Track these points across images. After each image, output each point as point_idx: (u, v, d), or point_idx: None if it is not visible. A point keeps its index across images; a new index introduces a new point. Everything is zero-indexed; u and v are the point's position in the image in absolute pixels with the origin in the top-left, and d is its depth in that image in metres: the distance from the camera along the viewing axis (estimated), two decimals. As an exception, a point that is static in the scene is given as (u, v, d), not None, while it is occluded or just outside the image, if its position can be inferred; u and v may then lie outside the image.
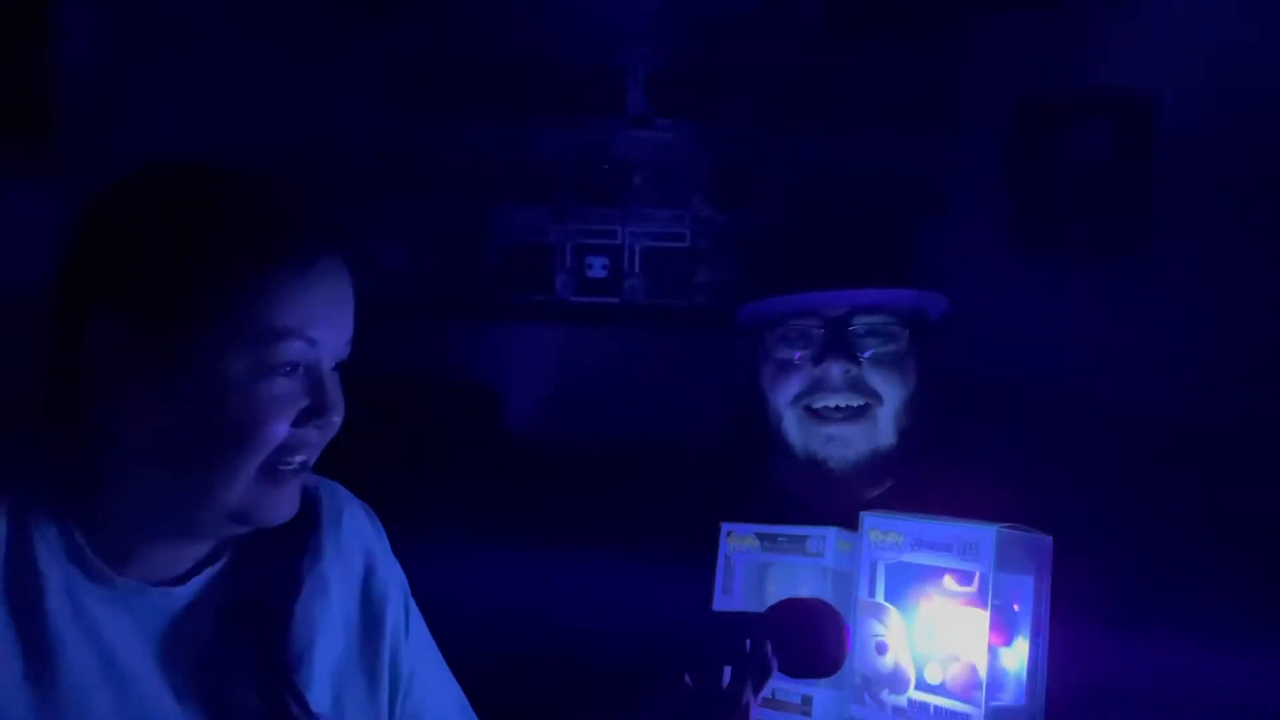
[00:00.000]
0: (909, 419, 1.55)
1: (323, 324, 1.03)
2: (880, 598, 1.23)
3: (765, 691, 1.18)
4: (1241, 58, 1.89)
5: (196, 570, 1.08)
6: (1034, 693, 1.17)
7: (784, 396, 1.56)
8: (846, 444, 1.53)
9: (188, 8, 1.94)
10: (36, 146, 1.86)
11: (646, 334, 2.00)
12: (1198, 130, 1.91)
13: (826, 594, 1.27)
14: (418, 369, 1.92)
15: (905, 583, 1.22)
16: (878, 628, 1.22)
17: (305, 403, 1.02)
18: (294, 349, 1.01)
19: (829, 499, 1.51)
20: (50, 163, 1.84)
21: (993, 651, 1.16)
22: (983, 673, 1.15)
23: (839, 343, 1.52)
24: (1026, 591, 1.18)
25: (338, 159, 1.95)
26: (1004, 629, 1.16)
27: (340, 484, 1.23)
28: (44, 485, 1.04)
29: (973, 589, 1.17)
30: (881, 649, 1.22)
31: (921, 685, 1.19)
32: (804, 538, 1.30)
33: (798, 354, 1.55)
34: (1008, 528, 1.17)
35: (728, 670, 1.17)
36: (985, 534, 1.16)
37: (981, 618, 1.16)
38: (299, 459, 1.04)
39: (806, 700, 1.24)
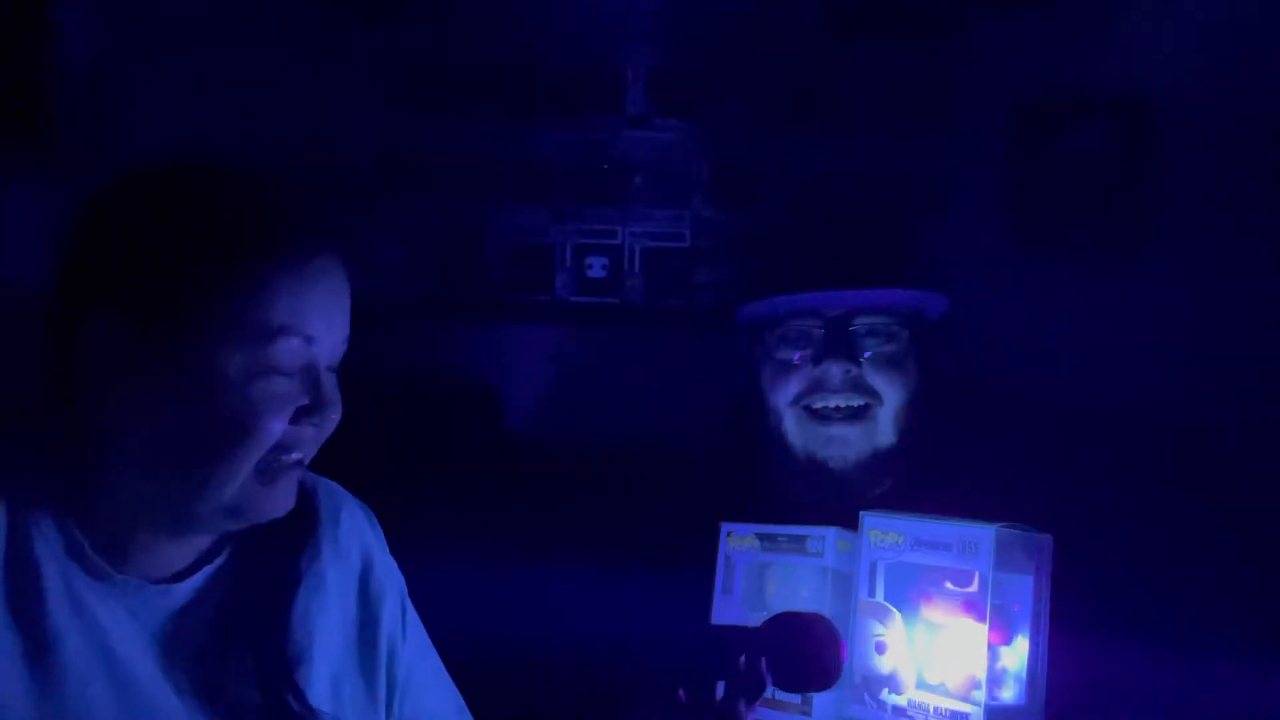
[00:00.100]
0: (909, 419, 1.55)
1: (319, 322, 1.03)
2: (880, 598, 1.23)
3: (765, 691, 1.18)
4: (1242, 58, 1.89)
5: (195, 568, 1.09)
6: (1033, 692, 1.17)
7: (784, 396, 1.56)
8: (846, 444, 1.54)
9: (188, 8, 1.94)
10: (36, 146, 1.86)
11: (646, 334, 1.99)
12: (1198, 130, 1.91)
13: (826, 594, 1.27)
14: (417, 369, 1.92)
15: (905, 582, 1.23)
16: (878, 628, 1.22)
17: (302, 401, 1.03)
18: (290, 347, 1.01)
19: (829, 499, 1.51)
20: (50, 163, 1.84)
21: (992, 651, 1.16)
22: (982, 672, 1.15)
23: (839, 343, 1.52)
24: (1026, 591, 1.18)
25: (338, 159, 1.95)
26: (1003, 628, 1.16)
27: (340, 484, 1.23)
28: (42, 483, 1.04)
29: (972, 588, 1.17)
30: (881, 649, 1.22)
31: (921, 685, 1.19)
32: (804, 538, 1.30)
33: (798, 354, 1.55)
34: (1007, 527, 1.17)
35: (721, 684, 1.17)
36: (985, 534, 1.16)
37: (981, 617, 1.16)
38: (295, 456, 1.05)
39: (806, 700, 1.24)
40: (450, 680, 1.28)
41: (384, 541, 1.24)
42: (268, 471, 1.03)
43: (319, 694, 1.12)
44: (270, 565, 1.12)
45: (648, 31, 1.98)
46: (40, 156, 1.85)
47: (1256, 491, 1.75)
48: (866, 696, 1.22)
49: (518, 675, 1.46)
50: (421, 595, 1.27)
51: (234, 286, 1.00)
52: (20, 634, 1.00)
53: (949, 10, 1.94)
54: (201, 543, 1.10)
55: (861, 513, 1.27)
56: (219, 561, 1.10)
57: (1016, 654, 1.17)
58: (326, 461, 1.14)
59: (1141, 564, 1.58)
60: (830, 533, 1.28)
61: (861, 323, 1.54)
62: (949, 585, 1.19)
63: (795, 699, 1.24)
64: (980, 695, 1.14)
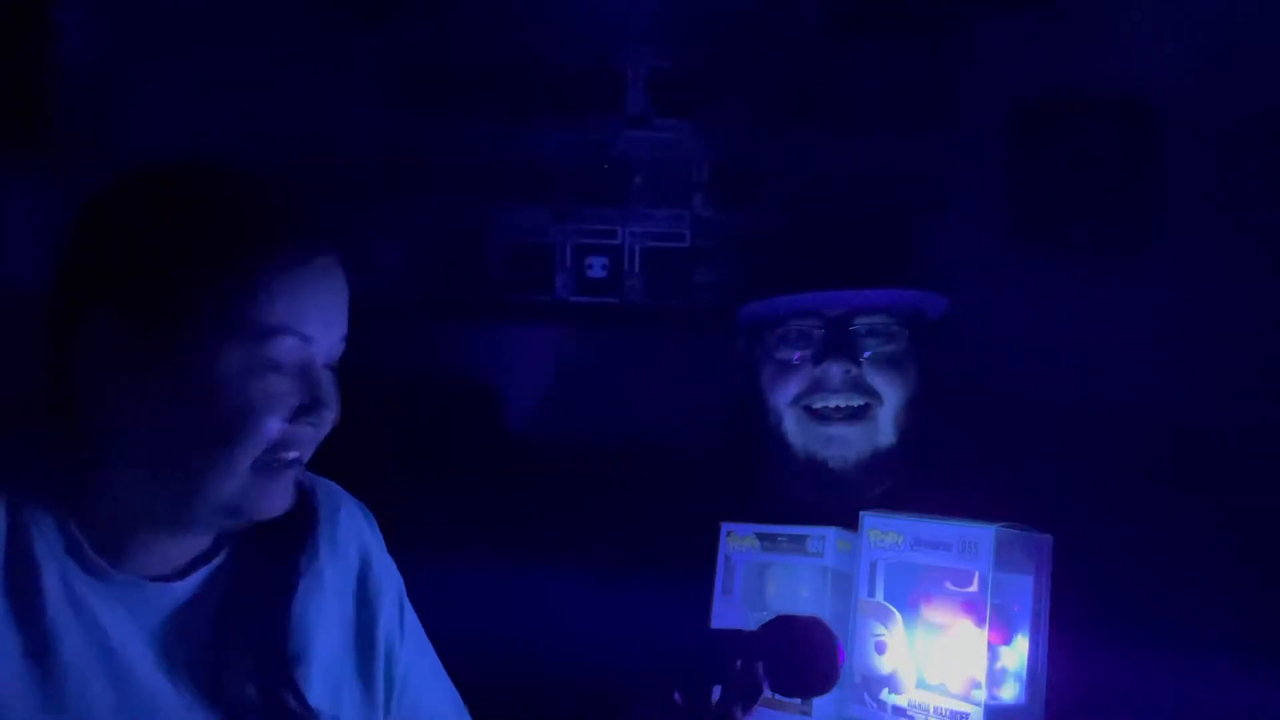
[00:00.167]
0: (909, 419, 1.55)
1: (317, 322, 1.04)
2: (880, 597, 1.23)
3: (764, 692, 1.17)
4: (1242, 57, 1.89)
5: (194, 567, 1.09)
6: (1034, 692, 1.17)
7: (784, 397, 1.56)
8: (846, 444, 1.54)
9: (188, 8, 1.94)
10: (36, 146, 1.86)
11: (646, 334, 1.99)
12: (1198, 130, 1.90)
13: (826, 594, 1.27)
14: (417, 369, 1.92)
15: (905, 582, 1.23)
16: (878, 628, 1.22)
17: (298, 399, 1.03)
18: (287, 346, 1.02)
19: (829, 499, 1.51)
20: (50, 163, 1.84)
21: (992, 651, 1.16)
22: (982, 672, 1.15)
23: (839, 343, 1.53)
24: (1026, 591, 1.18)
25: (338, 159, 1.95)
26: (1003, 628, 1.17)
27: (340, 484, 1.23)
28: (42, 481, 1.04)
29: (972, 588, 1.17)
30: (881, 649, 1.22)
31: (921, 685, 1.19)
32: (804, 538, 1.30)
33: (798, 354, 1.55)
34: (1007, 527, 1.17)
35: (718, 688, 1.16)
36: (984, 533, 1.16)
37: (981, 617, 1.16)
38: (293, 455, 1.05)
39: (806, 700, 1.24)
40: (448, 680, 1.28)
41: (382, 541, 1.24)
42: (266, 470, 1.04)
43: (317, 693, 1.12)
44: (269, 565, 1.12)
45: (648, 31, 1.98)
46: (40, 156, 1.84)
47: (1256, 491, 1.75)
48: (866, 696, 1.22)
49: (516, 675, 1.46)
50: (421, 595, 1.28)
51: (232, 286, 1.01)
52: (20, 632, 1.01)
53: (949, 10, 1.94)
54: (200, 542, 1.10)
55: (861, 513, 1.27)
56: (217, 561, 1.11)
57: (1016, 654, 1.17)
58: (327, 461, 1.14)
59: (1141, 564, 1.58)
60: (830, 533, 1.28)
61: (862, 323, 1.54)
62: (949, 585, 1.19)
63: (795, 699, 1.24)
64: (980, 695, 1.14)
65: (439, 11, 1.97)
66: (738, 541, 1.34)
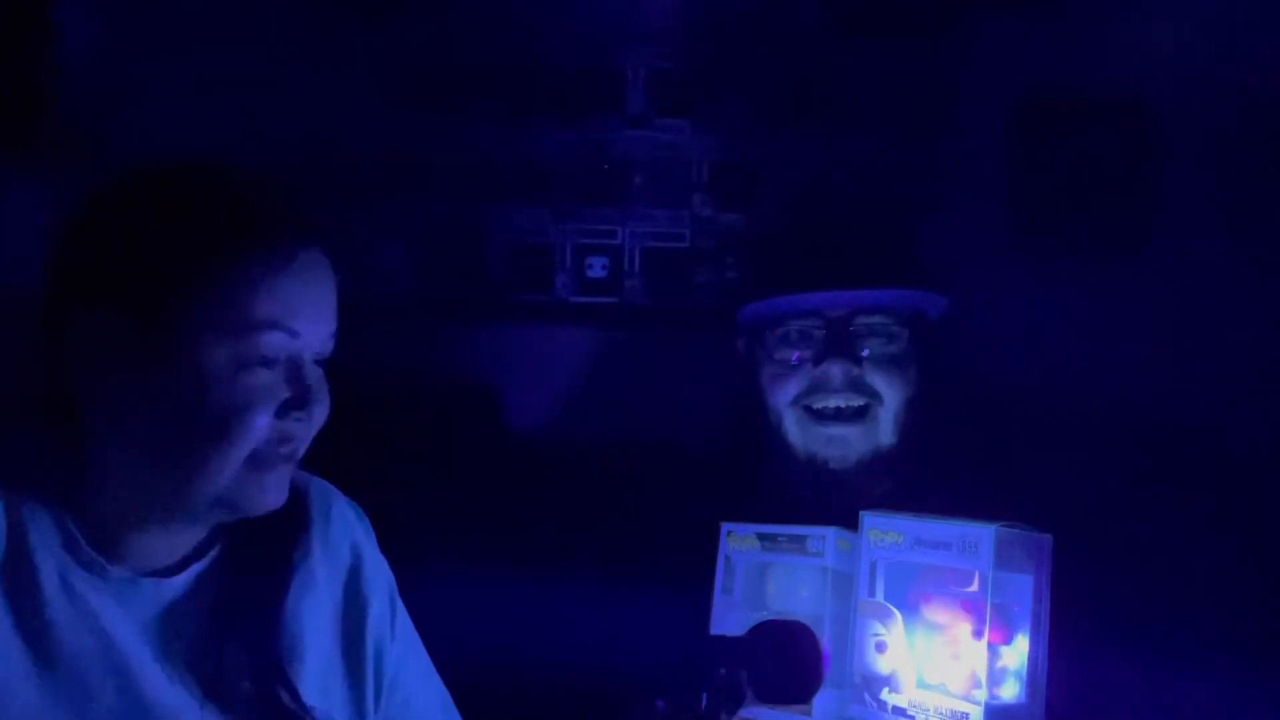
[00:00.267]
0: (909, 419, 1.55)
1: (304, 316, 1.05)
2: (880, 597, 1.23)
3: (744, 703, 1.17)
4: (1242, 58, 1.89)
5: (188, 562, 1.10)
6: (1034, 691, 1.17)
7: (784, 397, 1.56)
8: (847, 444, 1.54)
9: (188, 8, 1.94)
10: (36, 146, 1.86)
11: (646, 334, 1.99)
12: (1198, 130, 1.90)
13: (826, 594, 1.27)
14: (417, 369, 1.92)
15: (905, 582, 1.23)
16: (878, 627, 1.22)
17: (286, 394, 1.04)
18: (274, 340, 1.03)
19: (829, 499, 1.51)
20: (50, 163, 1.84)
21: (992, 650, 1.16)
22: (982, 672, 1.15)
23: (839, 343, 1.53)
24: (1026, 590, 1.18)
25: (338, 159, 1.95)
26: (1003, 628, 1.17)
27: (340, 484, 1.24)
28: (37, 477, 1.05)
29: (972, 588, 1.17)
30: (881, 649, 1.22)
31: (921, 685, 1.19)
32: (804, 538, 1.30)
33: (797, 354, 1.55)
34: (1007, 527, 1.17)
35: (705, 695, 1.16)
36: (984, 533, 1.16)
37: (981, 617, 1.16)
38: (285, 449, 1.06)
39: (806, 701, 1.24)
40: (440, 682, 1.29)
41: (374, 539, 1.24)
42: (259, 465, 1.04)
43: (310, 690, 1.12)
44: (262, 562, 1.13)
45: (648, 31, 1.98)
46: (40, 156, 1.84)
47: (1256, 491, 1.75)
48: (866, 696, 1.22)
49: (512, 677, 1.46)
50: (422, 595, 1.28)
51: (220, 281, 1.02)
52: (19, 625, 1.01)
53: (949, 10, 1.94)
54: (194, 537, 1.11)
55: (861, 512, 1.27)
56: (210, 557, 1.12)
57: (1016, 653, 1.17)
58: (326, 461, 1.15)
59: (1141, 564, 1.58)
60: (830, 533, 1.28)
61: (862, 323, 1.54)
62: (949, 585, 1.19)
63: (779, 706, 1.23)
64: (980, 694, 1.14)
65: (439, 11, 1.97)
66: (738, 541, 1.34)
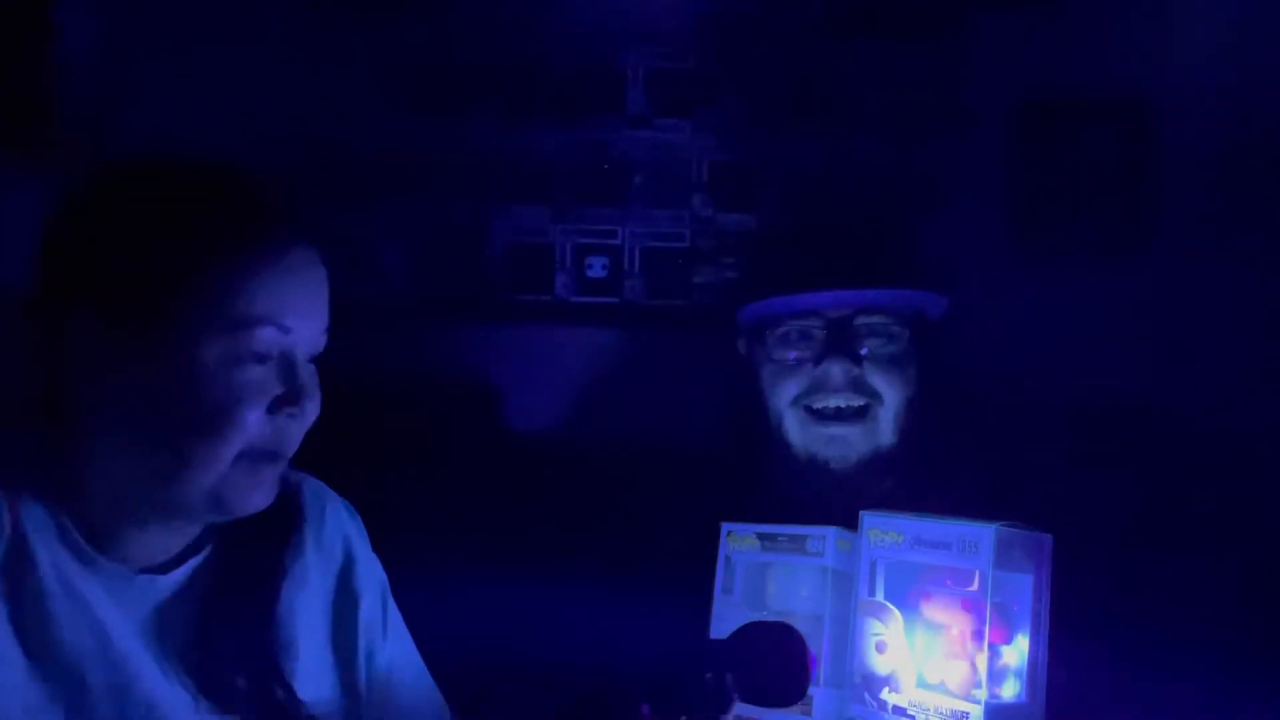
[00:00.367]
0: (909, 419, 1.55)
1: (295, 312, 1.05)
2: (880, 597, 1.23)
3: (731, 707, 1.16)
4: (1242, 58, 1.89)
5: (181, 560, 1.10)
6: (1034, 691, 1.17)
7: (784, 397, 1.56)
8: (847, 444, 1.54)
9: (188, 7, 1.94)
10: (36, 146, 1.86)
11: (646, 334, 1.99)
12: (1198, 130, 1.91)
13: (826, 594, 1.27)
14: (417, 369, 1.92)
15: (905, 582, 1.23)
16: (878, 627, 1.22)
17: (278, 391, 1.04)
18: (266, 336, 1.03)
19: (829, 499, 1.51)
20: (50, 163, 1.84)
21: (992, 650, 1.16)
22: (982, 671, 1.15)
23: (840, 343, 1.53)
24: (1026, 590, 1.18)
25: (338, 159, 1.95)
26: (1003, 627, 1.16)
27: (340, 483, 1.24)
28: (32, 475, 1.05)
29: (973, 587, 1.17)
30: (881, 648, 1.22)
31: (921, 684, 1.19)
32: (804, 538, 1.30)
33: (798, 354, 1.55)
34: (1007, 526, 1.17)
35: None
36: (984, 532, 1.16)
37: (981, 616, 1.16)
38: (276, 447, 1.06)
39: (806, 700, 1.24)
40: (431, 680, 1.29)
41: (366, 538, 1.25)
42: (249, 462, 1.05)
43: (303, 686, 1.13)
44: (255, 559, 1.14)
45: (648, 31, 1.98)
46: (40, 156, 1.84)
47: (1256, 491, 1.75)
48: (866, 696, 1.22)
49: (513, 677, 1.46)
50: (420, 595, 1.28)
51: (211, 278, 1.02)
52: (19, 620, 1.02)
53: (949, 10, 1.94)
54: (187, 534, 1.11)
55: (861, 512, 1.27)
56: (203, 555, 1.12)
57: (1017, 652, 1.17)
58: (327, 461, 1.15)
59: (1141, 563, 1.58)
60: (830, 532, 1.28)
61: (862, 323, 1.54)
62: (949, 584, 1.19)
63: (765, 710, 1.23)
64: (980, 694, 1.14)
65: (439, 11, 1.97)
66: (738, 541, 1.34)
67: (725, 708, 1.14)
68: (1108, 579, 1.39)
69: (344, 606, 1.20)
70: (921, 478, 1.56)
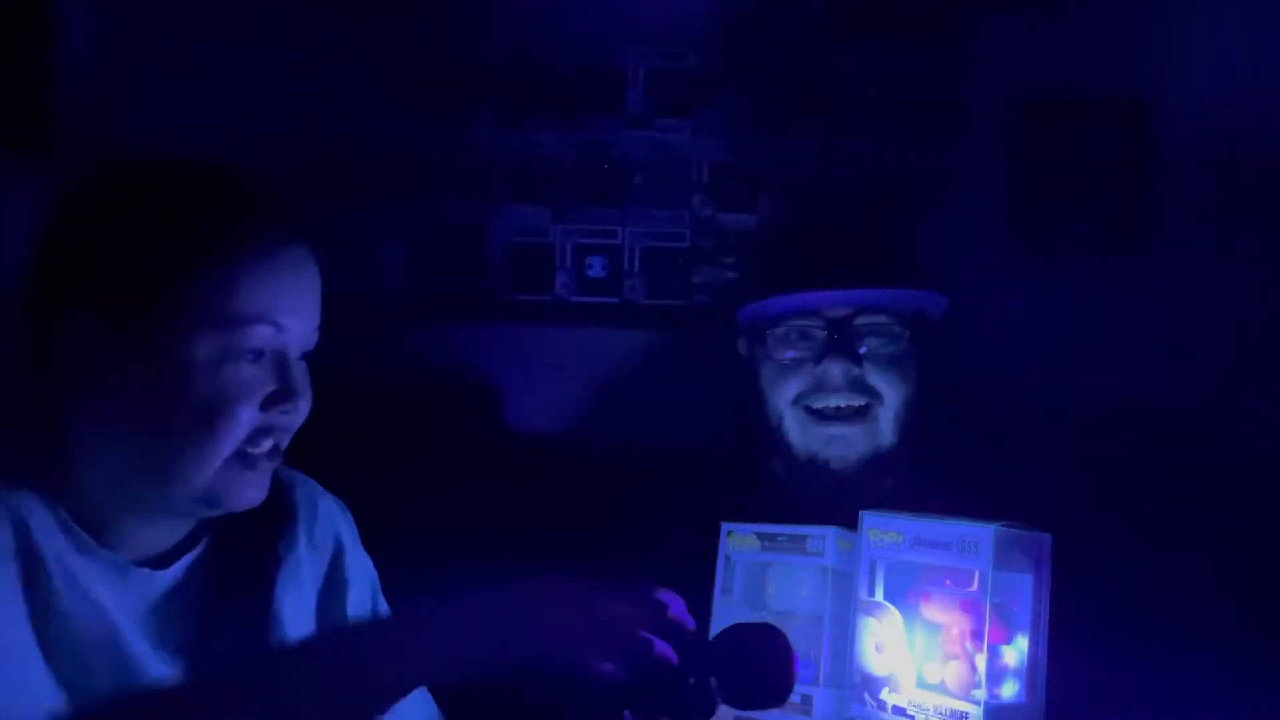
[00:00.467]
0: (909, 419, 1.55)
1: (288, 310, 1.06)
2: (880, 597, 1.23)
3: (715, 710, 1.16)
4: (1242, 58, 1.89)
5: (176, 555, 1.11)
6: (1033, 691, 1.17)
7: (784, 397, 1.56)
8: (847, 444, 1.54)
9: (187, 7, 1.94)
10: (36, 146, 1.86)
11: (646, 334, 1.99)
12: (1198, 130, 1.90)
13: (826, 594, 1.27)
14: (416, 369, 1.92)
15: (905, 581, 1.23)
16: (877, 627, 1.22)
17: (271, 388, 1.05)
18: (259, 334, 1.04)
19: (829, 499, 1.51)
20: (50, 163, 1.84)
21: (992, 650, 1.16)
22: (982, 671, 1.15)
23: (840, 343, 1.53)
24: (1026, 590, 1.18)
25: (337, 159, 1.95)
26: (1003, 627, 1.17)
27: (337, 482, 1.24)
28: (30, 471, 1.06)
29: (972, 587, 1.17)
30: (881, 649, 1.22)
31: (921, 684, 1.19)
32: (804, 538, 1.30)
33: (798, 354, 1.55)
34: (1007, 526, 1.17)
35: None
36: (984, 532, 1.16)
37: (981, 616, 1.16)
38: (268, 444, 1.07)
39: (806, 700, 1.24)
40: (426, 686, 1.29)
41: (357, 535, 1.26)
42: (242, 459, 1.06)
43: None
44: (249, 554, 1.15)
45: (648, 31, 1.98)
46: (40, 157, 1.84)
47: (1256, 491, 1.75)
48: (866, 696, 1.22)
49: (512, 677, 1.45)
50: (418, 595, 1.27)
51: (207, 276, 1.03)
52: (31, 613, 1.02)
53: (949, 10, 1.94)
54: (182, 530, 1.12)
55: (861, 512, 1.27)
56: (198, 550, 1.13)
57: (1016, 653, 1.17)
58: (326, 460, 1.15)
59: (1141, 564, 1.58)
60: (830, 532, 1.28)
61: (863, 322, 1.54)
62: (949, 584, 1.19)
63: (795, 698, 1.23)
64: (980, 694, 1.14)
65: (439, 11, 1.97)
66: (738, 541, 1.34)
67: (709, 712, 1.14)
68: (1108, 579, 1.39)
69: (333, 591, 1.22)
70: (921, 477, 1.56)
